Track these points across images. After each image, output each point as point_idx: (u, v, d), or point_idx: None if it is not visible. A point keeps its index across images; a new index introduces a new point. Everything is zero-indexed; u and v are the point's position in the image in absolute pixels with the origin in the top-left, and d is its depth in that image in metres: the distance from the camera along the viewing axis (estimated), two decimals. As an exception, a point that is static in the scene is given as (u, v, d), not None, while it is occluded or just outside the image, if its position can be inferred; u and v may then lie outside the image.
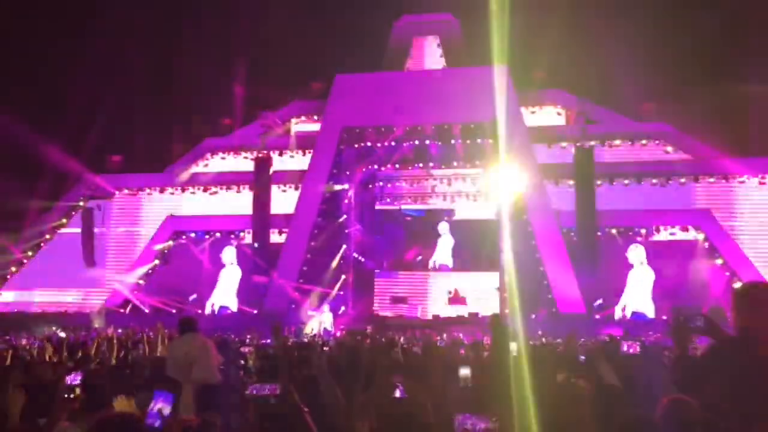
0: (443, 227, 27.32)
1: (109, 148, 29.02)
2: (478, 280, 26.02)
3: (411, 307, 25.84)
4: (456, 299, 25.25)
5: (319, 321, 21.40)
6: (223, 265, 25.07)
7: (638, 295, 22.31)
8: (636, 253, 22.77)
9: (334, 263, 25.27)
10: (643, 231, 24.03)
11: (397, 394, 4.03)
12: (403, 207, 28.61)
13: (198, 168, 28.56)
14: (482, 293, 25.79)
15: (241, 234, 26.24)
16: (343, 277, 25.96)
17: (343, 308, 25.20)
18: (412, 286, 26.85)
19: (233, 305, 24.60)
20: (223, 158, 28.74)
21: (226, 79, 28.76)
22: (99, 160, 28.64)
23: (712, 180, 24.51)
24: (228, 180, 27.39)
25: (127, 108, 29.96)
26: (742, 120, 25.68)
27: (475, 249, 26.03)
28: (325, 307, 22.19)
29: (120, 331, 16.30)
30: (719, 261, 22.93)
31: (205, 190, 27.65)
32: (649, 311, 22.04)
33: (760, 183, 24.32)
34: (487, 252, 25.75)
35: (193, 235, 26.82)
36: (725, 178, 24.49)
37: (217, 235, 26.43)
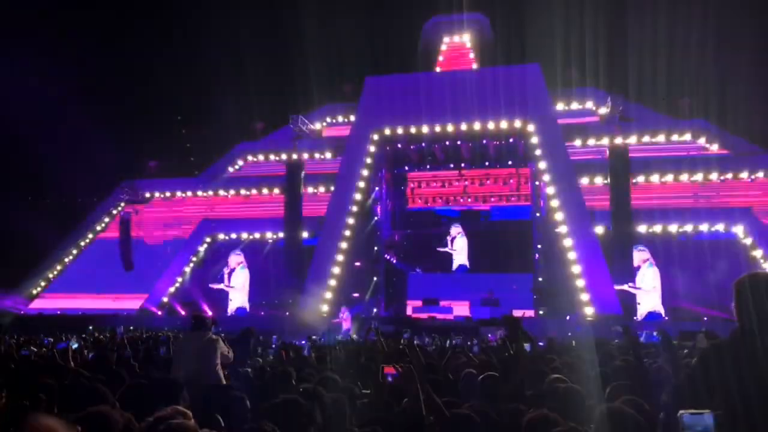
0: (456, 229, 27.09)
1: (146, 153, 29.68)
2: (512, 281, 25.78)
3: (443, 309, 25.71)
4: (489, 300, 25.04)
5: (344, 323, 21.40)
6: (232, 269, 25.26)
7: (649, 295, 21.75)
8: (640, 255, 22.26)
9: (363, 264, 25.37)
10: (682, 230, 23.49)
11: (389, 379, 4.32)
12: (437, 208, 28.54)
13: (232, 171, 28.96)
14: (516, 294, 25.58)
15: (274, 236, 26.46)
16: (375, 279, 25.99)
17: (375, 310, 25.21)
18: (444, 288, 26.71)
19: (247, 307, 24.87)
20: (255, 162, 29.11)
21: (258, 83, 29.10)
22: (136, 165, 29.30)
23: (753, 176, 23.84)
24: (261, 183, 27.71)
25: (163, 113, 30.51)
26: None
27: (509, 250, 25.79)
28: (344, 309, 22.16)
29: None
30: (761, 259, 22.29)
31: (238, 194, 28.04)
32: (661, 311, 21.41)
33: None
34: (521, 253, 25.54)
35: (227, 237, 27.20)
36: (766, 175, 23.81)
37: (250, 237, 26.72)
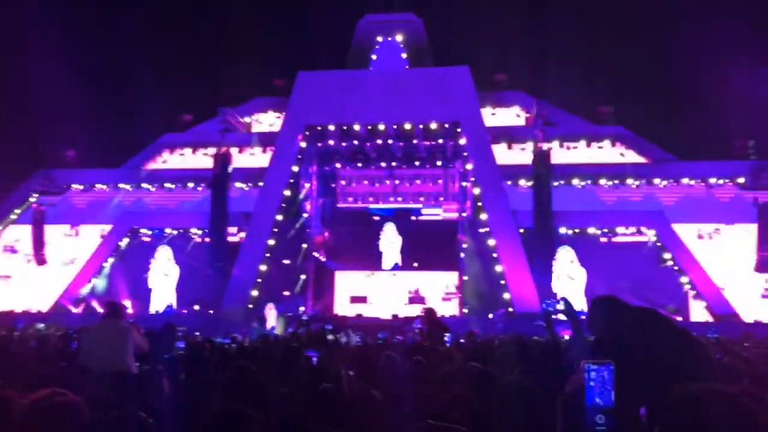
0: (389, 228, 27.39)
1: (63, 143, 28.36)
2: (438, 279, 26.27)
3: (371, 307, 25.87)
4: (416, 298, 25.41)
5: (269, 319, 21.21)
6: (160, 264, 24.59)
7: (571, 294, 22.64)
8: (565, 254, 23.21)
9: (292, 262, 25.18)
10: (598, 232, 24.56)
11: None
12: (371, 207, 28.63)
13: (155, 164, 28.08)
14: (442, 292, 26.09)
15: (199, 231, 25.85)
16: (303, 276, 25.85)
17: (302, 308, 25.08)
18: (372, 286, 26.89)
19: (175, 304, 24.27)
20: (181, 154, 28.33)
21: (185, 74, 28.35)
22: (52, 154, 27.95)
23: (664, 183, 25.23)
24: (186, 176, 26.99)
25: (81, 102, 29.22)
26: (692, 124, 26.49)
27: (436, 248, 26.23)
28: (271, 306, 21.97)
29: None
30: (670, 261, 23.59)
31: (162, 187, 27.21)
32: (584, 310, 22.41)
33: (708, 186, 25.14)
34: (447, 251, 26.04)
35: (149, 232, 26.35)
36: (677, 181, 25.24)
37: (175, 232, 26.00)
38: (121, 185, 27.56)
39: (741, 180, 24.77)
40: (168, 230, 26.09)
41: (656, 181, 25.31)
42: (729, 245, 24.18)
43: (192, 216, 25.83)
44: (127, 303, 23.21)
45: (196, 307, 23.57)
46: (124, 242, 26.28)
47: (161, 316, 21.43)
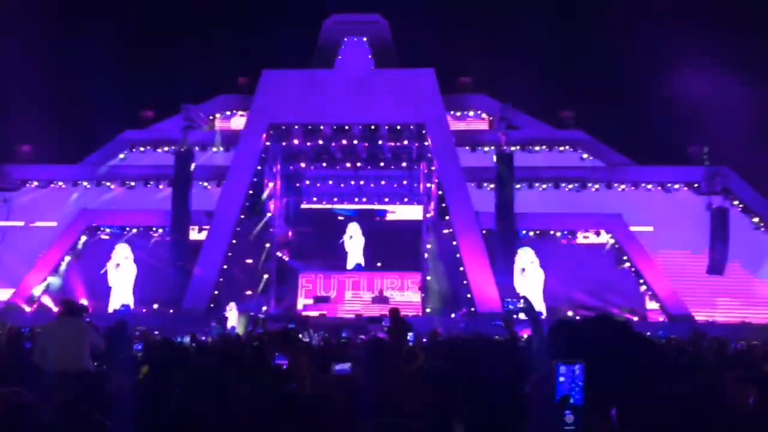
0: (353, 228, 27.42)
1: (18, 137, 27.48)
2: (402, 279, 26.40)
3: (334, 307, 25.84)
4: (380, 298, 25.47)
5: (231, 319, 20.99)
6: (118, 263, 24.15)
7: (530, 294, 22.99)
8: (525, 255, 23.61)
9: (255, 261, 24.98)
10: (558, 234, 25.02)
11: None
12: (335, 207, 28.56)
13: (116, 161, 27.45)
14: (406, 292, 26.23)
15: (160, 230, 25.40)
16: (266, 276, 25.65)
17: (265, 308, 24.88)
18: (336, 286, 26.85)
19: (131, 303, 23.83)
20: (142, 152, 27.73)
21: (146, 70, 27.82)
22: (6, 149, 27.07)
23: (623, 187, 25.85)
24: (147, 174, 26.46)
25: (38, 96, 28.41)
26: (651, 129, 27.21)
27: (400, 249, 26.37)
28: (232, 305, 21.76)
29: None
30: (627, 263, 24.18)
31: (122, 185, 26.60)
32: (543, 310, 22.68)
33: (665, 191, 25.87)
34: (412, 252, 26.20)
35: (108, 230, 25.75)
36: (635, 186, 25.89)
37: (134, 231, 25.49)
38: (79, 182, 26.86)
39: (696, 185, 25.55)
40: (128, 228, 25.57)
41: (615, 184, 25.91)
42: (684, 248, 24.90)
43: (153, 214, 25.35)
44: (84, 302, 22.65)
45: (155, 306, 23.17)
46: (82, 240, 25.65)
47: (116, 315, 20.98)
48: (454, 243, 23.35)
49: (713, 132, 23.93)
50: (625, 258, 24.23)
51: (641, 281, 23.86)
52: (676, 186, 25.96)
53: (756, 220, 25.24)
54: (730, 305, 23.39)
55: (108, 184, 26.61)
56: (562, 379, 1.72)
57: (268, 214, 26.25)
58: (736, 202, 25.19)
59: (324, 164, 27.77)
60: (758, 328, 19.81)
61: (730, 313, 22.81)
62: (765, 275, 24.05)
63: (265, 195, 25.80)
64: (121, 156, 27.67)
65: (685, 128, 25.01)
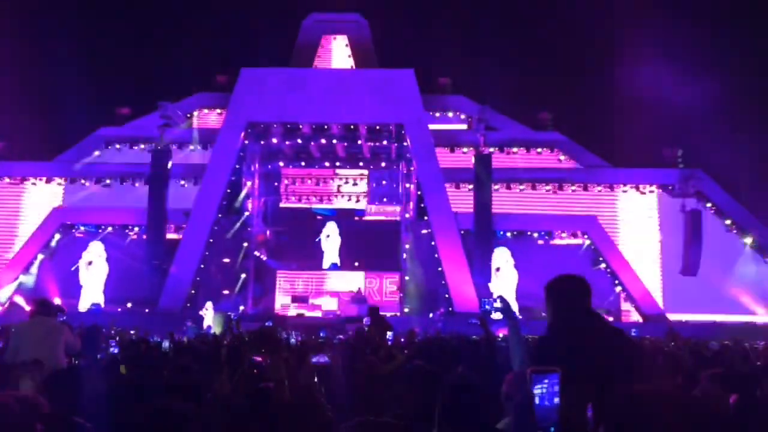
0: (330, 227, 27.37)
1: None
2: (380, 279, 26.43)
3: (313, 306, 25.75)
4: (357, 298, 25.43)
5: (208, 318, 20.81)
6: (90, 261, 23.82)
7: (504, 293, 23.24)
8: (501, 255, 23.83)
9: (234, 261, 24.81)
10: (536, 235, 25.25)
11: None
12: (314, 207, 28.46)
13: (91, 158, 27.01)
14: (384, 292, 26.26)
15: (136, 228, 25.07)
16: (244, 275, 25.49)
17: (242, 307, 24.71)
18: (314, 285, 26.79)
19: (102, 302, 23.50)
20: (118, 149, 27.28)
21: (123, 67, 27.44)
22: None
23: (599, 189, 26.18)
24: (123, 172, 26.09)
25: (10, 92, 27.87)
26: (627, 131, 27.58)
27: (379, 249, 26.39)
28: (209, 305, 21.58)
29: None
30: (603, 264, 24.48)
31: (97, 182, 26.22)
32: (516, 310, 22.98)
33: (641, 192, 26.25)
34: (390, 252, 26.24)
35: (83, 228, 25.36)
36: (611, 187, 26.23)
37: (110, 229, 25.14)
38: (53, 179, 26.42)
39: (670, 187, 25.97)
40: (103, 226, 25.20)
41: (591, 186, 26.22)
42: (658, 249, 25.29)
43: (129, 212, 25.04)
44: (57, 300, 22.29)
45: (129, 305, 22.87)
46: (56, 238, 25.23)
47: (87, 315, 20.67)
48: (433, 243, 23.43)
49: (688, 134, 24.33)
50: (600, 259, 24.54)
51: (616, 282, 24.19)
52: (651, 188, 26.35)
53: (728, 222, 25.73)
54: (703, 306, 23.77)
55: (83, 181, 26.22)
56: (537, 390, 1.72)
57: (246, 213, 26.08)
58: (709, 205, 25.66)
59: (303, 163, 27.67)
60: (729, 327, 20.21)
61: (702, 313, 23.20)
62: (736, 276, 24.51)
63: (243, 194, 25.62)
64: (96, 153, 27.24)
65: (660, 131, 25.37)
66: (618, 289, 24.30)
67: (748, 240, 25.38)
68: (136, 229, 25.00)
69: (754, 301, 23.91)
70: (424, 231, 24.26)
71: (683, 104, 23.06)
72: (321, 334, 14.40)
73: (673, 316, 22.99)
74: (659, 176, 26.29)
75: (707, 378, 4.04)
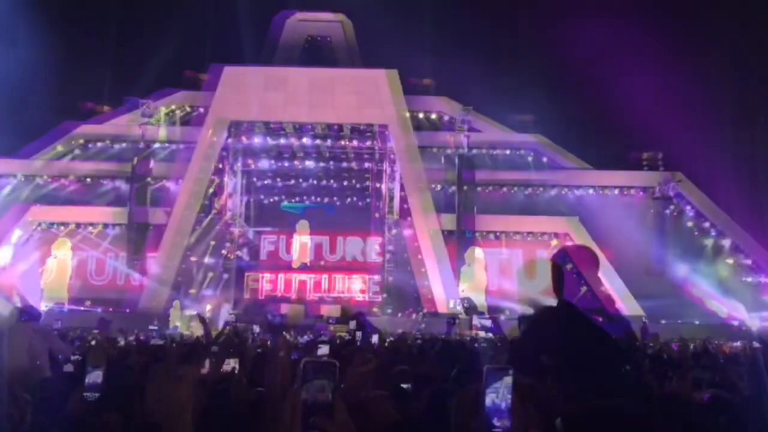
0: (302, 225, 27.17)
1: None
2: (359, 278, 26.28)
3: (286, 305, 25.49)
4: (342, 299, 25.34)
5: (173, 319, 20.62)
6: (54, 257, 23.48)
7: (475, 293, 23.25)
8: (473, 254, 23.91)
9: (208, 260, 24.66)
10: (518, 236, 25.35)
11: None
12: (283, 205, 28.16)
13: (56, 153, 26.32)
14: (368, 293, 26.11)
15: (100, 226, 24.66)
16: (216, 275, 25.20)
17: (227, 305, 24.46)
18: (290, 284, 26.52)
19: (66, 301, 23.12)
20: (84, 144, 26.55)
21: (89, 60, 26.90)
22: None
23: (580, 191, 26.35)
24: (89, 169, 25.57)
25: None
26: (608, 134, 27.78)
27: (357, 249, 26.33)
28: (176, 303, 21.41)
29: None
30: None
31: (64, 178, 25.59)
32: (484, 309, 22.89)
33: (622, 194, 26.49)
34: (367, 252, 26.17)
35: (50, 225, 24.85)
36: (592, 189, 26.41)
37: (81, 225, 24.70)
38: (17, 174, 25.75)
39: (650, 190, 26.24)
40: (71, 224, 24.72)
41: (573, 188, 26.39)
42: (638, 251, 25.48)
43: (98, 209, 24.71)
44: (17, 299, 21.80)
45: (88, 303, 22.42)
46: (21, 234, 24.61)
47: (53, 315, 20.31)
48: (415, 244, 23.46)
49: (668, 137, 24.54)
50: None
51: (584, 283, 24.28)
52: (632, 190, 26.59)
53: (707, 224, 26.04)
54: (673, 306, 23.88)
55: (46, 177, 25.51)
56: (491, 386, 1.70)
57: (229, 212, 25.88)
58: (688, 207, 25.96)
59: (285, 162, 27.49)
60: (699, 327, 20.54)
61: (673, 313, 23.35)
62: (712, 278, 24.75)
63: (225, 193, 25.45)
64: (60, 148, 26.45)
65: (641, 134, 25.56)
66: (583, 289, 24.37)
67: (726, 242, 25.74)
68: (101, 227, 24.59)
69: (728, 304, 24.14)
70: (406, 231, 24.28)
71: (664, 106, 23.28)
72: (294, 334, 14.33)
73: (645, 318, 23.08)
74: (640, 179, 26.56)
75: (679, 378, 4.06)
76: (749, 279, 25.17)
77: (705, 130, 25.00)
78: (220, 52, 25.97)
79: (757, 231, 24.54)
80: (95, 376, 3.03)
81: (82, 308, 22.25)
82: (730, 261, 25.56)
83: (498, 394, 1.68)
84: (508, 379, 1.70)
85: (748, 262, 25.42)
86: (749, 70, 27.73)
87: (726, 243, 25.76)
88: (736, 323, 22.74)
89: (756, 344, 13.19)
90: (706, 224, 26.07)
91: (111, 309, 21.66)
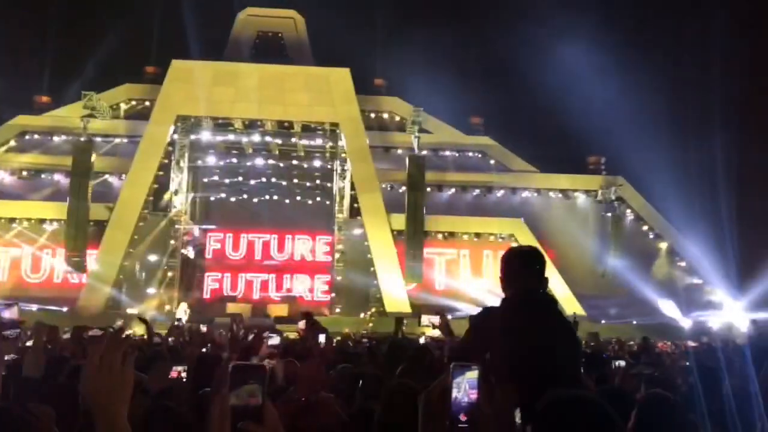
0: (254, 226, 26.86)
1: None
2: (312, 279, 26.10)
3: (241, 306, 25.17)
4: (289, 298, 25.13)
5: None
6: None
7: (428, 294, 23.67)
8: (432, 256, 24.30)
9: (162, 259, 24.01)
10: (465, 237, 25.68)
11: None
12: (243, 201, 27.67)
13: (6, 147, 25.41)
14: (316, 292, 25.98)
15: (54, 221, 23.79)
16: (170, 273, 24.66)
17: (167, 307, 23.90)
18: (241, 284, 26.14)
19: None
20: (36, 138, 25.73)
21: (44, 53, 26.01)
22: None
23: (526, 193, 26.93)
24: (40, 163, 24.71)
25: None
26: (554, 137, 28.47)
27: (306, 248, 26.12)
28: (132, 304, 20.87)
29: None
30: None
31: (12, 173, 24.71)
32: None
33: (566, 197, 27.21)
34: (319, 251, 26.02)
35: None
36: (537, 192, 27.01)
37: (15, 221, 23.74)
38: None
39: (594, 192, 27.06)
40: (4, 218, 23.71)
41: (519, 190, 26.94)
42: (577, 252, 26.19)
43: (34, 204, 23.78)
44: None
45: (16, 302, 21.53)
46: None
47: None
48: (366, 243, 23.47)
49: (611, 142, 25.30)
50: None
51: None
52: (576, 193, 27.35)
53: (645, 228, 27.04)
54: (617, 306, 24.68)
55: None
56: (456, 383, 1.73)
57: (174, 209, 25.26)
58: (628, 211, 26.89)
59: (234, 159, 27.03)
60: (641, 327, 21.31)
61: (615, 313, 24.14)
62: (651, 279, 25.70)
63: (172, 189, 24.83)
64: (12, 142, 25.62)
65: (588, 138, 26.24)
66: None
67: (663, 245, 26.81)
68: (54, 222, 23.74)
69: (664, 304, 25.07)
70: (357, 230, 24.27)
71: (608, 111, 23.99)
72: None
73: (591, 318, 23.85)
74: (584, 182, 27.34)
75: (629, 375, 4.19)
76: (685, 280, 26.28)
77: (648, 136, 25.84)
78: (184, 49, 25.27)
79: (693, 235, 25.53)
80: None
81: (7, 306, 21.23)
82: (667, 263, 26.63)
83: (460, 389, 1.71)
84: (471, 374, 1.72)
85: (683, 264, 26.53)
86: (690, 79, 28.93)
87: (663, 246, 26.81)
88: (672, 323, 23.69)
89: (691, 343, 13.80)
90: (645, 227, 27.07)
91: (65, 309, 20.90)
